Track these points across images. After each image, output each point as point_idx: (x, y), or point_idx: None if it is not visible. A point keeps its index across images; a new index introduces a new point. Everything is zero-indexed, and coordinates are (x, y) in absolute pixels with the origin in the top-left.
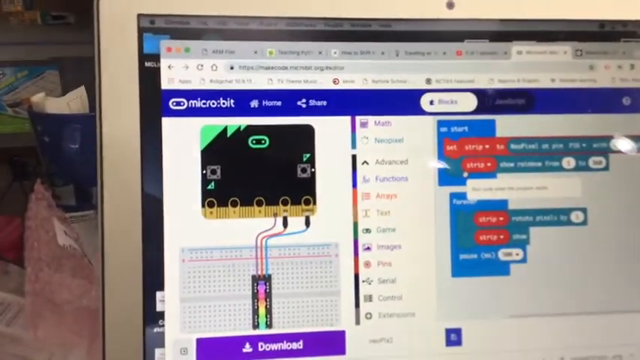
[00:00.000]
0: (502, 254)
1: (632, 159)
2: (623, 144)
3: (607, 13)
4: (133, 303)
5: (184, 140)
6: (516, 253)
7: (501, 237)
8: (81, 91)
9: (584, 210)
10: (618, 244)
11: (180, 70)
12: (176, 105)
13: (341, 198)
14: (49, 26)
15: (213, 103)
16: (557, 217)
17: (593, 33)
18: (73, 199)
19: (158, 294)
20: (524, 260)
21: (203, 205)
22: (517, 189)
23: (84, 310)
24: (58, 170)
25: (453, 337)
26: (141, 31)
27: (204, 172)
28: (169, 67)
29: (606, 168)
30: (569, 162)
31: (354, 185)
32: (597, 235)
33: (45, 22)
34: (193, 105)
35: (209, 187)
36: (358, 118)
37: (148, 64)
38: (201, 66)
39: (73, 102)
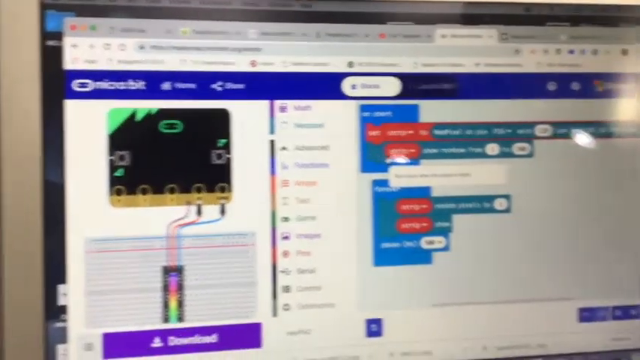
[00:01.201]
0: (424, 242)
1: (556, 145)
2: (547, 130)
3: None
4: (32, 297)
5: (90, 124)
6: (439, 241)
7: (424, 225)
8: None
9: (507, 197)
10: (542, 231)
11: (86, 49)
12: (81, 86)
13: (258, 185)
14: None
15: (122, 85)
16: (481, 204)
17: (519, 17)
18: None
19: (60, 287)
20: (446, 248)
21: (110, 193)
22: (440, 176)
23: None
24: None
25: (374, 328)
26: (43, 7)
27: (111, 158)
28: (73, 46)
29: (530, 154)
30: (493, 148)
31: (273, 172)
32: (521, 222)
33: None
34: (100, 87)
35: (117, 173)
36: (277, 103)
37: (50, 42)
38: (109, 45)
39: None
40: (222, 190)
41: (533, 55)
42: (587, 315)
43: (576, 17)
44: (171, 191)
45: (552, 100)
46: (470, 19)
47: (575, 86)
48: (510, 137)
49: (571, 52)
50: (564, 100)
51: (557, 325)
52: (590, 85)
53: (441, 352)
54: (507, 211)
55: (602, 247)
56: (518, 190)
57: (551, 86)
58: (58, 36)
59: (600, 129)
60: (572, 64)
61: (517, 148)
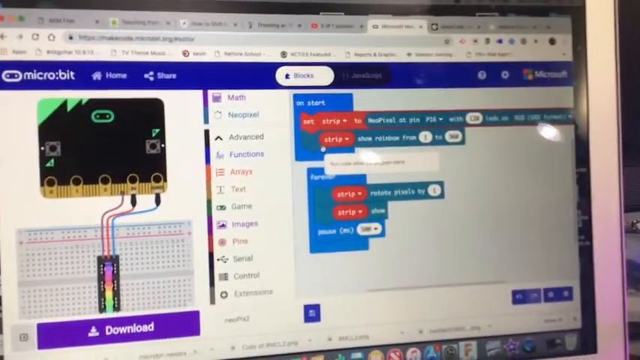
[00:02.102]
0: (361, 229)
1: (487, 133)
2: (478, 118)
3: None
4: None
5: (20, 115)
6: (375, 227)
7: (360, 212)
8: None
9: (441, 183)
10: (474, 216)
11: (14, 40)
12: (10, 77)
13: (193, 174)
14: None
15: (51, 76)
16: (415, 190)
17: (449, 7)
18: None
19: None
20: (382, 234)
21: (42, 184)
22: (375, 163)
23: None
24: None
25: (312, 314)
26: None
27: (42, 148)
28: (1, 36)
29: (462, 142)
30: (426, 136)
31: (208, 161)
32: (454, 208)
33: None
34: (29, 77)
35: (48, 164)
36: (211, 92)
37: None
38: (37, 36)
39: None
40: (157, 179)
41: (462, 45)
42: (521, 297)
43: (504, 7)
44: (105, 181)
45: (482, 89)
46: (401, 9)
47: (505, 75)
48: (442, 125)
49: (500, 41)
50: (494, 88)
51: (492, 307)
52: (519, 74)
53: (377, 336)
54: (441, 197)
55: (534, 231)
56: (451, 177)
57: (481, 75)
58: None
59: (529, 116)
60: (501, 53)
61: (449, 135)
